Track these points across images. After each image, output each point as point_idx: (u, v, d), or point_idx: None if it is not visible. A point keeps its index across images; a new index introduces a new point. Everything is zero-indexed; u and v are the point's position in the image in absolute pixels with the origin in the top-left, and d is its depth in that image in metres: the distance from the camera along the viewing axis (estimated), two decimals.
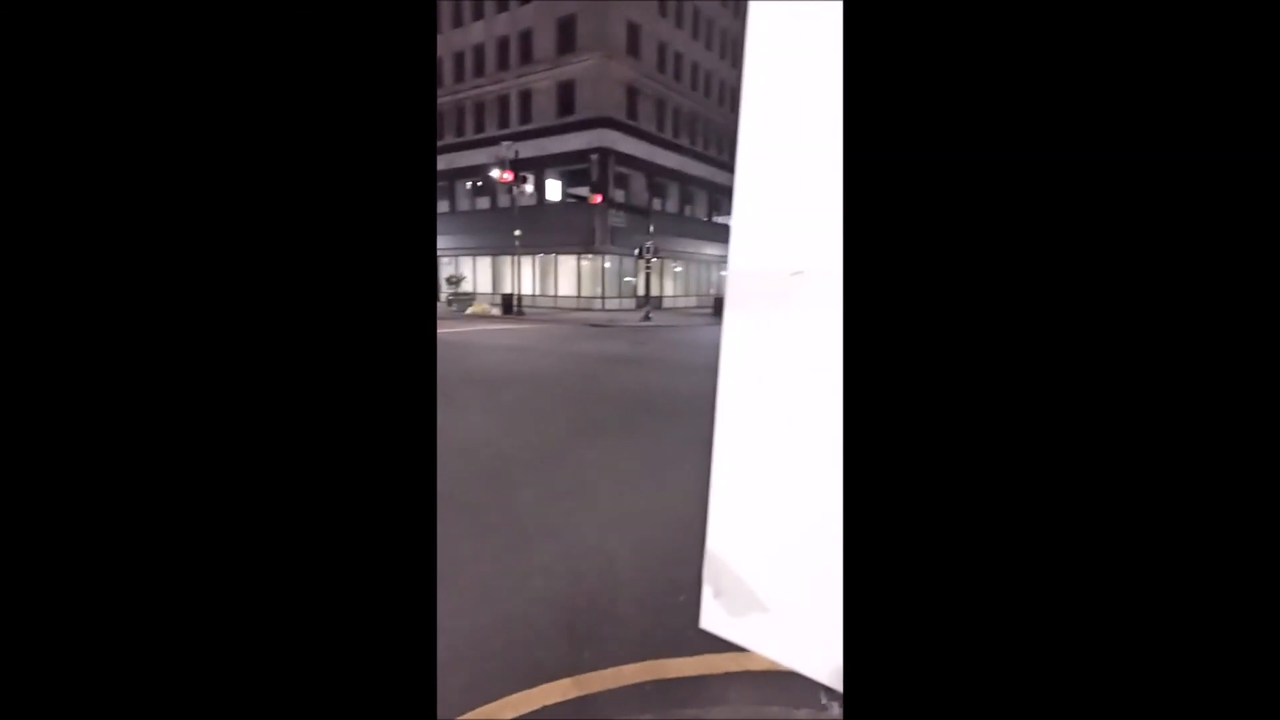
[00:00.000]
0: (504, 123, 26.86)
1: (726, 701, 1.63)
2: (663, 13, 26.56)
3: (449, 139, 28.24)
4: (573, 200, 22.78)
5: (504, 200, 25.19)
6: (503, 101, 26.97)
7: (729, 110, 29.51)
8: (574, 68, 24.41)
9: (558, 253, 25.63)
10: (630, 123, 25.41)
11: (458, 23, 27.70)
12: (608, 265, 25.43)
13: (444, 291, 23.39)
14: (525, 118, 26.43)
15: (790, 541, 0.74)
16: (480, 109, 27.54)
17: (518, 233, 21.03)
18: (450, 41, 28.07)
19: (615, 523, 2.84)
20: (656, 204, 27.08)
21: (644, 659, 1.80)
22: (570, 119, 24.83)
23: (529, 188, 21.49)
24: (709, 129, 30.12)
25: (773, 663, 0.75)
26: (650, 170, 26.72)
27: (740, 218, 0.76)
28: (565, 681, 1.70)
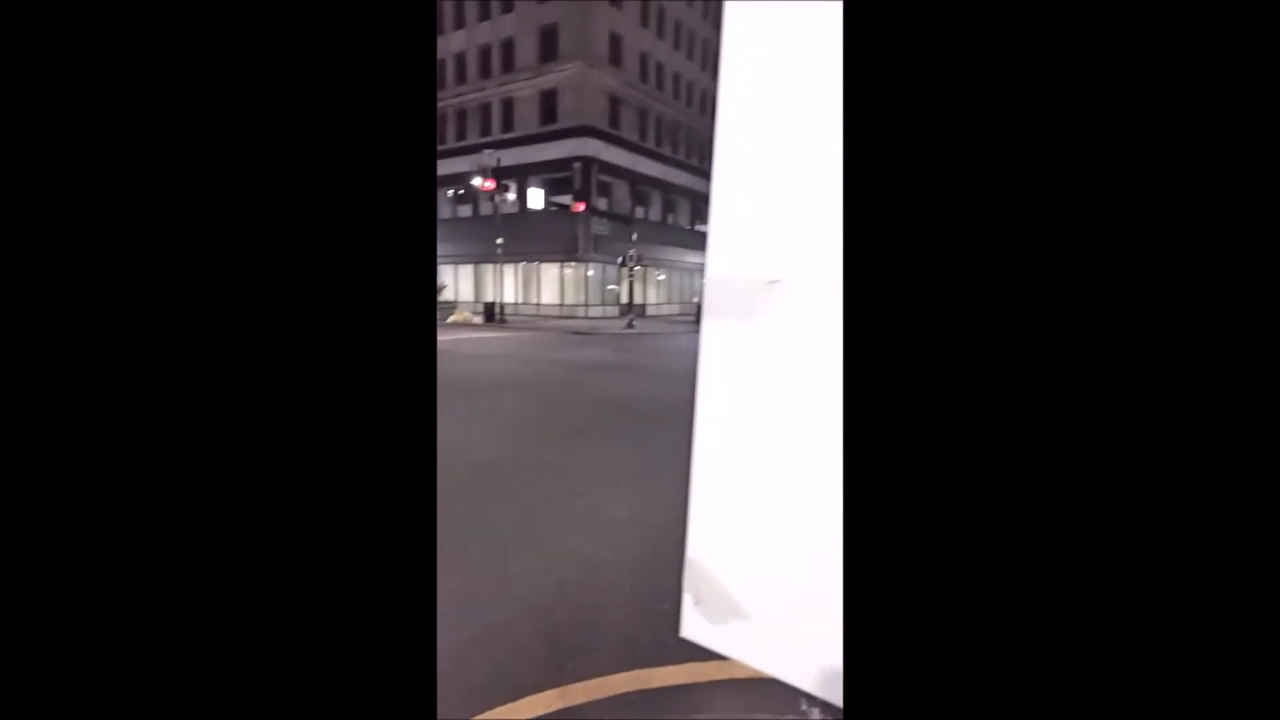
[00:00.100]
0: (486, 131, 26.81)
1: (711, 709, 1.63)
2: (644, 23, 26.79)
3: None
4: (555, 208, 22.76)
5: (486, 208, 25.11)
6: (485, 109, 26.93)
7: (710, 120, 29.66)
8: (556, 76, 24.48)
9: (540, 261, 25.58)
10: (613, 131, 25.52)
11: (439, 30, 27.63)
12: (591, 273, 25.43)
13: None
14: (507, 126, 26.42)
15: (769, 549, 0.74)
16: (462, 117, 27.47)
17: (500, 241, 20.96)
18: None
19: (598, 531, 2.83)
20: (639, 212, 27.19)
21: (629, 669, 1.79)
22: (553, 127, 24.87)
23: (511, 196, 21.45)
24: (691, 138, 30.38)
25: (756, 670, 0.75)
26: (633, 179, 26.84)
27: (717, 227, 0.77)
28: (550, 693, 1.68)
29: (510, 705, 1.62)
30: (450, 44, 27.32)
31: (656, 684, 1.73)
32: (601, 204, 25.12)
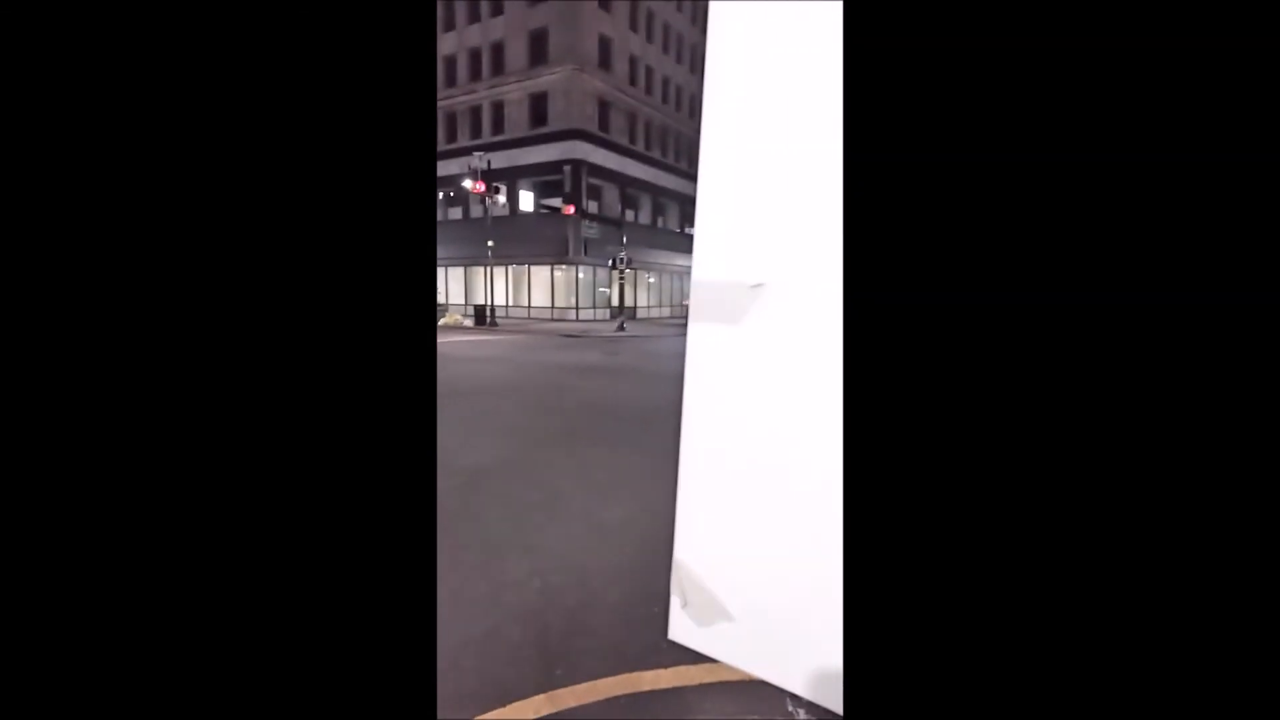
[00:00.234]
0: (476, 133, 26.74)
1: (701, 712, 1.62)
2: (634, 27, 26.85)
3: None
4: (546, 211, 22.73)
5: (476, 211, 25.02)
6: (474, 112, 26.87)
7: (699, 124, 29.84)
8: (546, 79, 24.47)
9: (531, 263, 25.52)
10: (602, 135, 25.54)
11: None
12: (581, 276, 25.40)
13: None
14: (497, 128, 26.36)
15: (756, 551, 0.75)
16: (452, 119, 27.37)
17: (490, 243, 20.90)
18: None
19: (587, 534, 2.82)
20: (629, 215, 27.21)
21: (618, 673, 1.78)
22: (542, 130, 24.85)
23: (501, 198, 21.40)
24: (680, 142, 30.46)
25: (745, 672, 0.75)
26: (623, 182, 26.86)
27: (703, 232, 0.77)
28: (538, 698, 1.67)
29: (498, 711, 1.61)
30: (440, 47, 27.23)
31: (646, 688, 1.73)
32: (591, 207, 25.13)
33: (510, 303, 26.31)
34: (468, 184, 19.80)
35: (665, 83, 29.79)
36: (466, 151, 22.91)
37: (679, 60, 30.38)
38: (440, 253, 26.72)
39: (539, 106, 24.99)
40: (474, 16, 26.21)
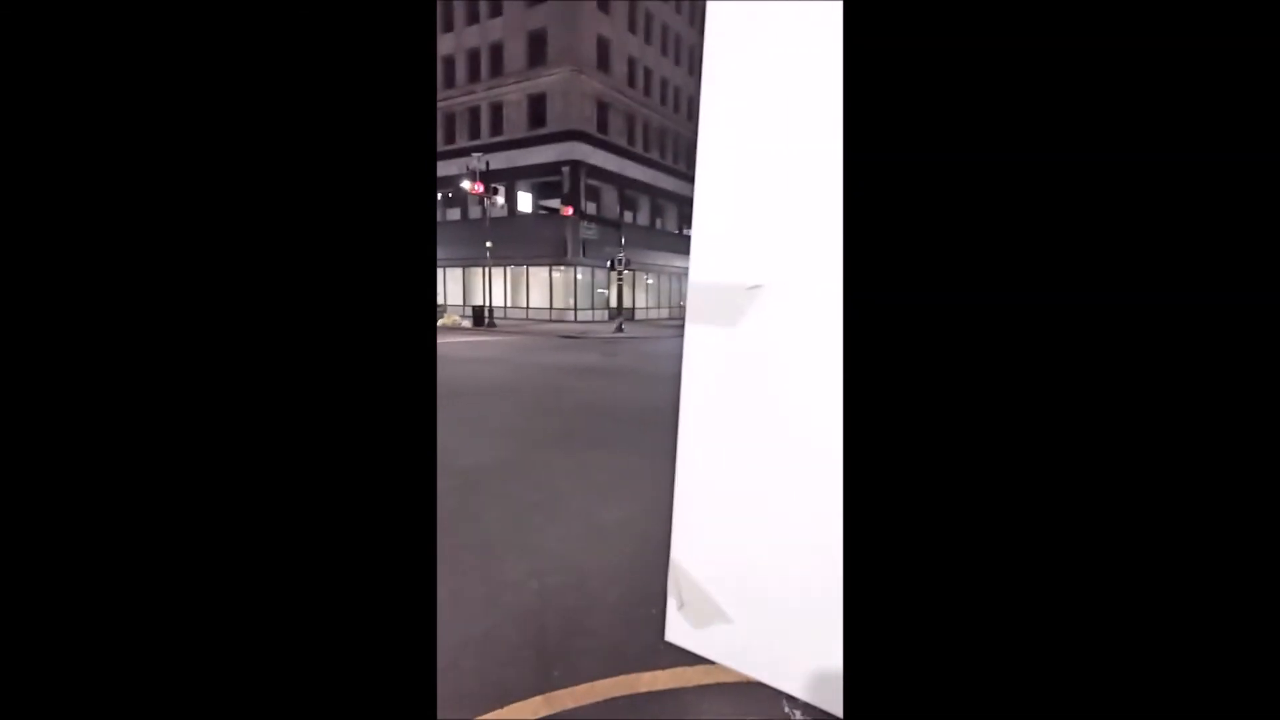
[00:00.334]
0: (474, 134, 26.74)
1: (699, 714, 1.62)
2: (632, 29, 26.88)
3: None
4: (544, 212, 22.73)
5: (474, 212, 25.02)
6: (473, 113, 26.87)
7: (698, 125, 29.88)
8: (544, 80, 24.48)
9: (529, 264, 25.52)
10: (601, 136, 25.56)
11: None
12: (580, 277, 25.40)
13: None
14: (496, 130, 26.37)
15: (753, 552, 0.75)
16: (450, 120, 27.38)
17: (489, 244, 20.90)
18: None
19: (586, 535, 2.82)
20: (628, 216, 27.23)
21: (616, 674, 1.78)
22: (541, 131, 24.86)
23: (500, 199, 21.40)
24: (679, 143, 30.49)
25: (742, 674, 0.75)
26: (621, 183, 26.88)
27: (700, 234, 0.77)
28: (536, 700, 1.67)
29: (496, 712, 1.61)
30: (439, 47, 27.23)
31: (643, 689, 1.72)
32: (590, 208, 25.14)
33: (508, 304, 26.30)
34: (466, 185, 19.80)
35: (664, 84, 29.83)
36: (465, 152, 22.91)
37: (677, 62, 30.42)
38: (438, 254, 26.70)
39: (537, 108, 25.00)
40: (472, 18, 26.23)
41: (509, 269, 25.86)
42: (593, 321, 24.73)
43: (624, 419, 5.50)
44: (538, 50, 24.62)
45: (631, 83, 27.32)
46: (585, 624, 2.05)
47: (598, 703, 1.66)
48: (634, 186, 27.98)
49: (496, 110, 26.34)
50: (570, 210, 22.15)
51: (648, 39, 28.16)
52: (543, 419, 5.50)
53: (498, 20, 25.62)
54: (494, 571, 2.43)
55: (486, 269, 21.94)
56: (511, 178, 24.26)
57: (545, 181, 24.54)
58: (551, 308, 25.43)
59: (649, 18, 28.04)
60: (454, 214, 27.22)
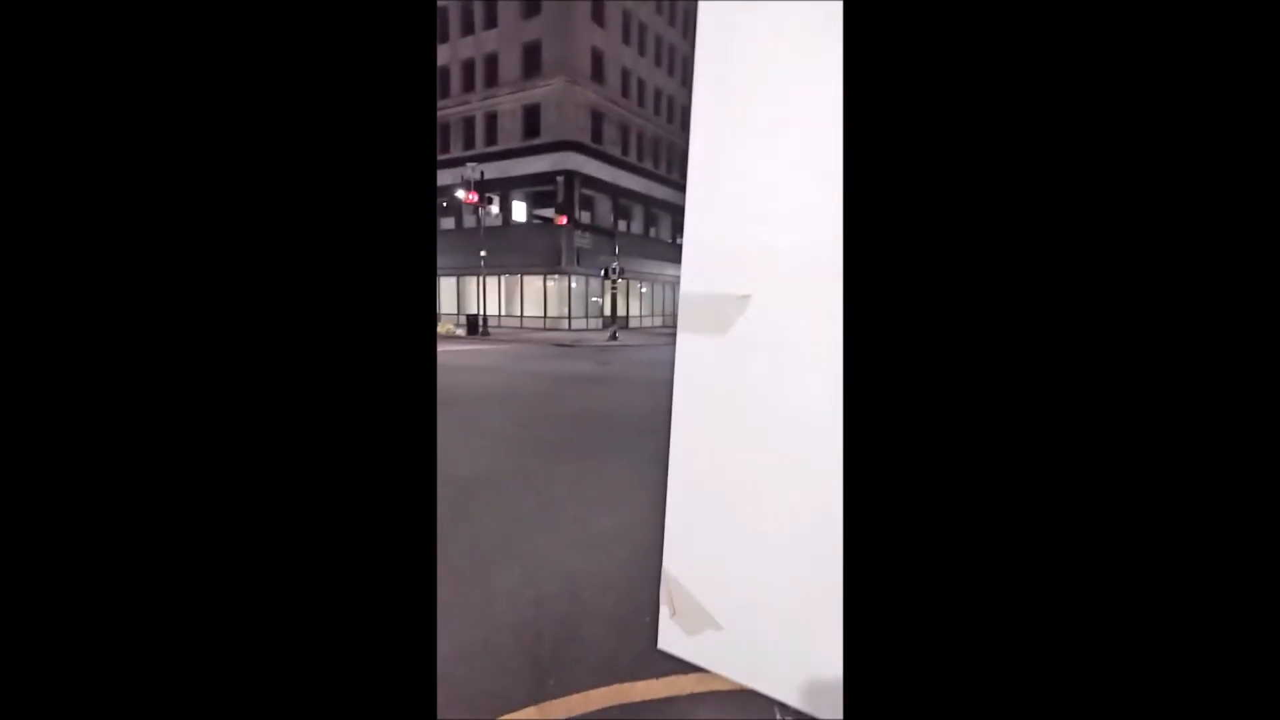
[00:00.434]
0: (469, 144, 26.83)
1: None
2: (626, 40, 27.11)
3: None
4: (538, 221, 22.78)
5: (469, 221, 25.05)
6: (468, 123, 26.97)
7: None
8: (539, 91, 24.62)
9: (523, 273, 25.53)
10: (595, 146, 25.69)
11: None
12: (574, 286, 25.43)
13: None
14: (490, 139, 26.47)
15: (745, 560, 0.75)
16: (445, 130, 27.46)
17: (483, 253, 20.90)
18: None
19: (579, 544, 2.81)
20: (622, 226, 27.33)
21: (610, 683, 1.77)
22: (535, 141, 24.97)
23: (494, 209, 21.43)
24: (673, 153, 30.69)
25: (735, 681, 0.76)
26: (615, 193, 26.99)
27: (690, 243, 0.79)
28: (529, 710, 1.66)
29: None
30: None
31: (637, 698, 1.72)
32: (584, 217, 25.21)
33: (503, 312, 26.28)
34: (461, 194, 19.85)
35: (657, 95, 30.05)
36: (460, 162, 22.98)
37: (671, 73, 30.67)
38: None
39: (532, 118, 25.13)
40: (467, 28, 26.39)
41: (503, 278, 25.86)
42: (587, 330, 24.73)
43: (618, 428, 5.50)
44: (532, 61, 24.78)
45: (625, 93, 27.52)
46: (579, 633, 2.04)
47: (591, 712, 1.66)
48: (628, 196, 28.10)
49: (491, 120, 26.44)
50: (564, 219, 22.21)
51: (641, 50, 28.40)
52: (537, 428, 5.49)
53: (492, 31, 25.79)
54: (487, 580, 2.41)
55: (481, 278, 21.93)
56: (506, 187, 24.32)
57: (539, 191, 24.62)
58: (546, 316, 25.43)
59: (643, 29, 28.29)
60: (448, 223, 27.23)
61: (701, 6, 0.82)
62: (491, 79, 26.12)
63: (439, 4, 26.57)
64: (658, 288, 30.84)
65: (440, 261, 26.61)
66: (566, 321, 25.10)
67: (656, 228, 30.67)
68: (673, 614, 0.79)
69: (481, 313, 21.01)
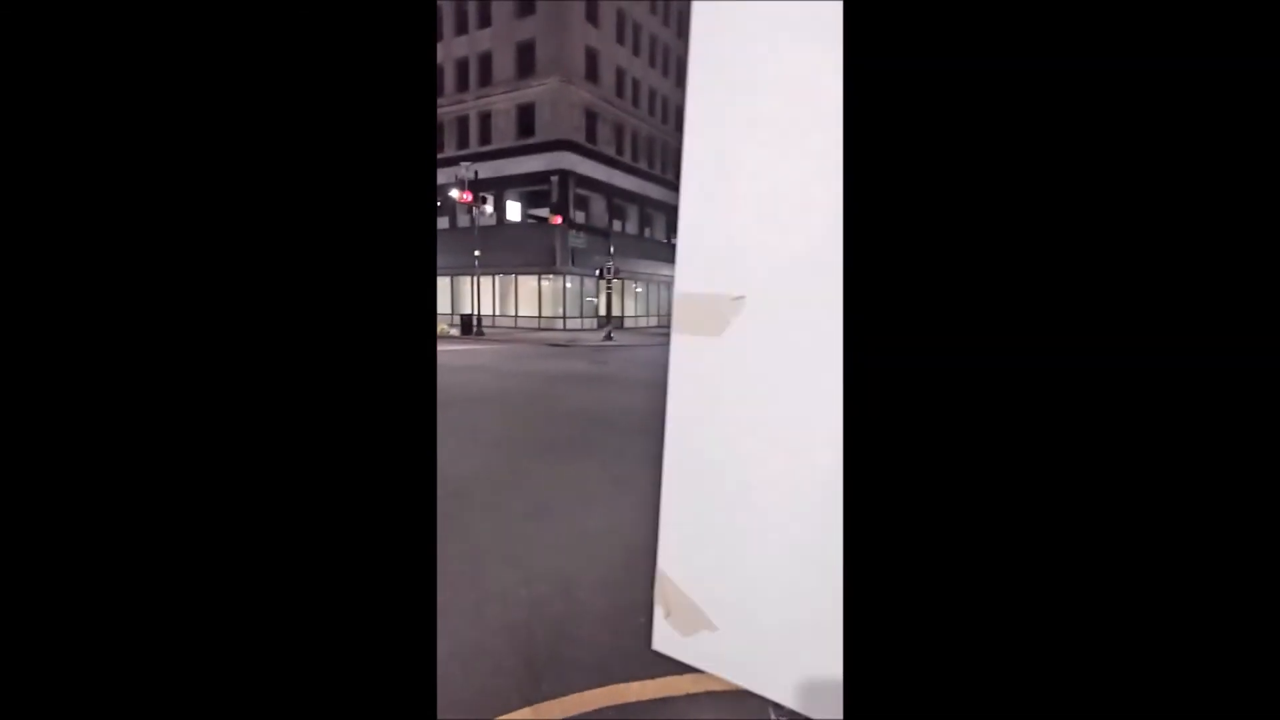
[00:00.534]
0: (463, 143, 26.76)
1: None
2: (620, 40, 27.10)
3: None
4: (533, 221, 22.74)
5: (463, 220, 24.98)
6: (462, 122, 26.90)
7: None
8: (533, 90, 24.58)
9: (518, 273, 25.49)
10: (590, 146, 25.67)
11: None
12: (569, 285, 25.41)
13: None
14: (484, 139, 26.41)
15: (739, 560, 0.75)
16: (440, 129, 27.38)
17: (477, 253, 20.85)
18: None
19: (574, 544, 2.81)
20: (616, 226, 27.32)
21: (605, 684, 1.77)
22: (529, 141, 24.93)
23: (488, 208, 21.38)
24: (667, 153, 30.71)
25: (729, 681, 0.76)
26: (610, 192, 26.99)
27: (684, 244, 0.79)
28: (523, 711, 1.66)
29: None
30: None
31: (632, 698, 1.72)
32: (579, 217, 25.19)
33: (497, 312, 26.23)
34: (455, 194, 19.80)
35: (652, 94, 30.06)
36: (454, 161, 22.92)
37: (665, 73, 30.68)
38: None
39: (526, 117, 25.09)
40: (461, 28, 26.32)
41: (497, 278, 25.80)
42: (581, 330, 24.72)
43: (614, 427, 5.49)
44: (526, 60, 24.74)
45: (620, 93, 27.51)
46: (573, 633, 2.04)
47: (586, 712, 1.65)
48: (623, 196, 28.10)
49: (485, 120, 26.38)
50: (559, 219, 22.18)
51: (636, 50, 28.40)
52: (531, 428, 5.48)
53: (486, 31, 25.73)
54: (481, 581, 2.41)
55: (475, 278, 21.87)
56: (500, 187, 24.27)
57: (534, 190, 24.59)
58: (540, 316, 25.40)
59: (637, 29, 28.29)
60: (442, 223, 27.15)
61: (695, 5, 0.81)
62: (485, 78, 26.06)
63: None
64: (653, 288, 30.85)
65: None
66: (561, 321, 25.08)
67: (651, 228, 30.68)
68: (667, 614, 0.78)
69: (476, 312, 20.95)
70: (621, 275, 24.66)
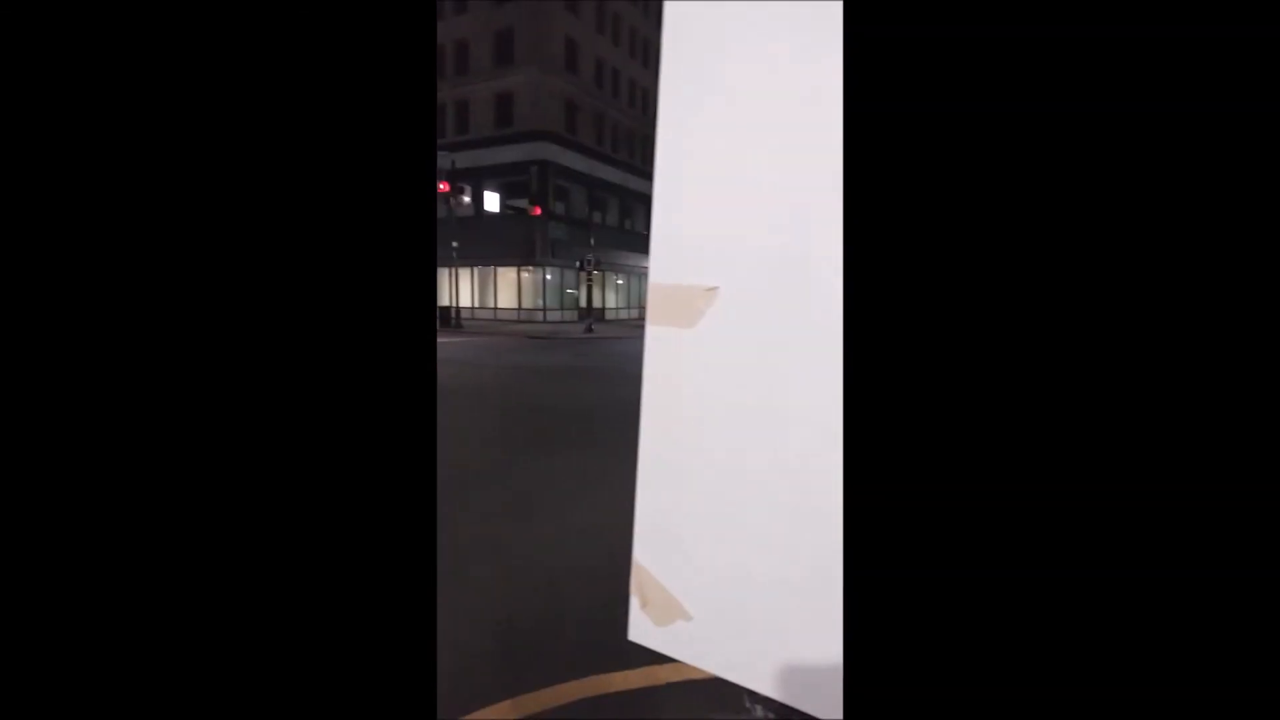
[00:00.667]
0: (440, 133, 26.35)
1: (667, 713, 1.63)
2: (600, 30, 26.86)
3: None
4: (511, 212, 22.50)
5: (440, 211, 24.64)
6: (439, 111, 26.48)
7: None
8: (511, 80, 24.26)
9: (497, 265, 25.25)
10: (569, 136, 25.46)
11: None
12: (549, 277, 25.25)
13: None
14: (462, 128, 26.02)
15: (712, 549, 0.76)
16: None
17: (455, 244, 20.60)
18: None
19: (557, 537, 2.81)
20: (597, 217, 27.17)
21: (585, 675, 1.78)
22: (508, 131, 24.63)
23: (466, 199, 21.10)
24: (647, 145, 30.60)
25: (707, 671, 0.76)
26: (590, 184, 26.82)
27: (657, 234, 0.78)
28: (504, 704, 1.66)
29: (464, 718, 1.59)
30: None
31: (615, 689, 1.73)
32: (559, 208, 25.01)
33: (476, 304, 25.97)
34: None
35: (632, 86, 29.88)
36: None
37: (646, 64, 30.52)
38: None
39: (504, 107, 24.77)
40: (438, 14, 25.85)
41: (476, 269, 25.53)
42: (562, 322, 24.61)
43: (596, 419, 5.49)
44: (504, 49, 24.40)
45: (600, 84, 27.30)
46: (555, 626, 2.04)
47: (566, 704, 1.66)
48: (603, 187, 27.96)
49: (462, 109, 25.99)
50: (538, 210, 21.98)
51: (616, 41, 28.17)
52: (513, 422, 5.45)
53: (464, 18, 25.28)
54: (464, 575, 2.39)
55: (453, 269, 21.61)
56: (478, 177, 23.95)
57: (513, 181, 24.31)
58: (520, 308, 25.21)
59: (617, 19, 28.05)
60: None
61: (667, 6, 0.81)
62: (462, 67, 25.64)
63: None
64: (633, 280, 30.81)
65: None
66: (541, 314, 24.93)
67: (632, 220, 30.60)
68: (643, 605, 0.79)
69: (454, 305, 20.73)
70: (602, 267, 24.58)
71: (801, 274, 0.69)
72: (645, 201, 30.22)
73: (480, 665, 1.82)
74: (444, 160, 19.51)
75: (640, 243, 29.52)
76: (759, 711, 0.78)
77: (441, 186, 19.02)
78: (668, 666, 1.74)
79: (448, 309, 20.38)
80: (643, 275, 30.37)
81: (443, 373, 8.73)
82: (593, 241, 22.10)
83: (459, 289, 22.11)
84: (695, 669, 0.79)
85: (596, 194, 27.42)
